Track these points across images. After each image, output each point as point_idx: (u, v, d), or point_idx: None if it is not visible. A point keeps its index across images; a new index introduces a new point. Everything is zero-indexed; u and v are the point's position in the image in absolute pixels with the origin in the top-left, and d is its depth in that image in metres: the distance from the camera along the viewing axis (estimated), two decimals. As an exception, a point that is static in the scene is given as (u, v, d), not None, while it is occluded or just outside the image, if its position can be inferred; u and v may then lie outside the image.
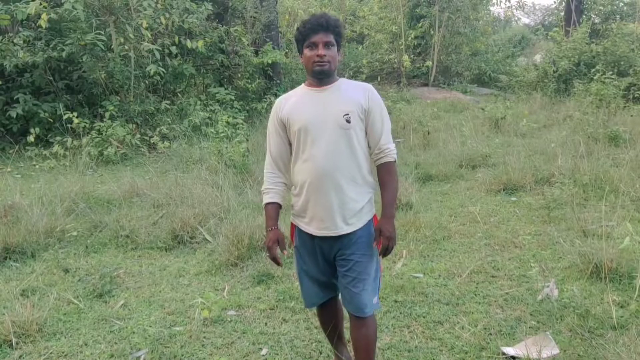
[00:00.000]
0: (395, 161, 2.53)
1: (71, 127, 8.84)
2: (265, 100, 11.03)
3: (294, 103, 2.46)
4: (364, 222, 2.46)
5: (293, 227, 2.61)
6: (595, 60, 12.26)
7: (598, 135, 7.20)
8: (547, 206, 5.10)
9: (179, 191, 5.79)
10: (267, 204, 2.53)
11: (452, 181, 6.53)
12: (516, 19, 33.17)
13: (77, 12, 8.72)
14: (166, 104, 9.96)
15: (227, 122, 9.17)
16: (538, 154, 7.03)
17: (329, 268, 2.54)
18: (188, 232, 4.87)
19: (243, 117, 10.82)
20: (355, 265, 2.41)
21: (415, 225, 4.88)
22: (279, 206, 2.55)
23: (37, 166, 8.33)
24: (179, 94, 11.10)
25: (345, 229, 2.40)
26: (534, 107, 11.41)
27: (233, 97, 10.93)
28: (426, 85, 16.14)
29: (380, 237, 2.43)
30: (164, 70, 9.70)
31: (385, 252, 2.46)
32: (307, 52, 2.37)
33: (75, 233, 4.79)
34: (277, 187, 2.55)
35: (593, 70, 11.09)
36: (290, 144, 2.50)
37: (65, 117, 8.86)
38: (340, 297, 2.65)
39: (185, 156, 7.73)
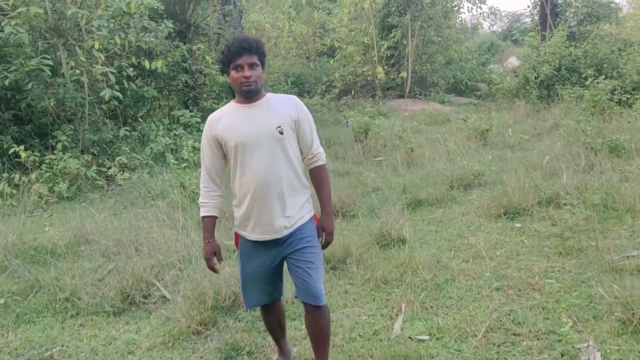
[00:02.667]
0: (325, 164, 2.78)
1: (19, 162, 7.95)
2: (233, 121, 10.23)
3: (227, 120, 2.61)
4: (306, 219, 2.67)
5: (237, 235, 2.78)
6: (576, 64, 11.82)
7: (597, 146, 6.60)
8: (560, 235, 4.45)
9: (133, 236, 4.97)
10: (204, 217, 2.74)
11: (445, 205, 5.83)
12: (489, 25, 33.19)
13: (20, 36, 7.88)
14: (125, 130, 9.10)
15: (193, 147, 8.40)
16: (534, 169, 6.39)
17: (274, 272, 2.72)
18: (141, 290, 4.05)
19: (211, 141, 10.09)
20: (305, 256, 2.62)
21: (411, 267, 4.15)
22: (215, 218, 2.77)
23: (-20, 207, 7.40)
24: (140, 119, 10.25)
25: (289, 230, 2.61)
26: (518, 115, 10.88)
27: (199, 120, 10.13)
28: (402, 97, 15.56)
29: (323, 233, 2.73)
30: (121, 94, 8.86)
31: (326, 245, 2.79)
32: (233, 73, 2.54)
33: (2, 301, 3.92)
34: (213, 201, 2.74)
35: (576, 74, 10.66)
36: (224, 159, 2.67)
37: (10, 151, 7.97)
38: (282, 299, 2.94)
39: (146, 189, 6.90)
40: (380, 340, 3.25)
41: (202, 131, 8.43)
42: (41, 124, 8.89)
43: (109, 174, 7.91)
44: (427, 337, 3.23)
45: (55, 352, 3.40)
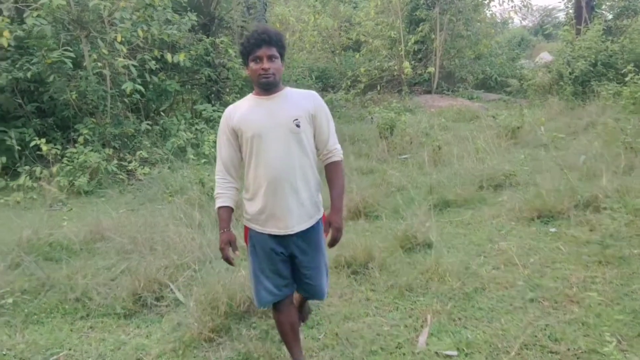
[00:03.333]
0: (341, 160, 2.74)
1: (42, 155, 7.91)
2: (256, 116, 10.04)
3: (245, 112, 2.59)
4: (316, 219, 2.67)
5: (247, 229, 2.74)
6: (613, 59, 11.29)
7: (637, 146, 6.21)
8: (600, 242, 4.12)
9: (148, 234, 4.81)
10: (220, 207, 2.69)
11: (474, 207, 5.54)
12: (520, 19, 32.41)
13: (43, 28, 7.82)
14: (147, 124, 9.00)
15: (215, 142, 8.22)
16: (570, 169, 6.03)
17: (285, 265, 2.70)
18: (154, 292, 3.88)
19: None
20: (311, 261, 2.68)
21: (438, 273, 3.89)
22: (231, 209, 2.70)
23: (2, 200, 7.38)
24: (162, 113, 10.15)
25: (300, 227, 2.61)
26: (551, 112, 10.44)
27: (221, 114, 9.97)
28: (429, 92, 15.20)
29: (329, 228, 2.70)
30: (143, 87, 8.75)
31: (334, 242, 2.74)
32: (252, 65, 2.52)
33: (10, 300, 3.79)
34: (229, 192, 2.69)
35: (613, 70, 10.17)
36: (240, 151, 2.64)
37: (32, 144, 7.94)
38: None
39: (165, 185, 6.76)
40: (404, 354, 3.01)
41: (223, 125, 8.24)
42: (63, 116, 8.86)
43: (130, 168, 7.81)
44: (455, 353, 2.97)
45: (61, 357, 3.25)
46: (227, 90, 11.10)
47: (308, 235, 2.65)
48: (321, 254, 2.73)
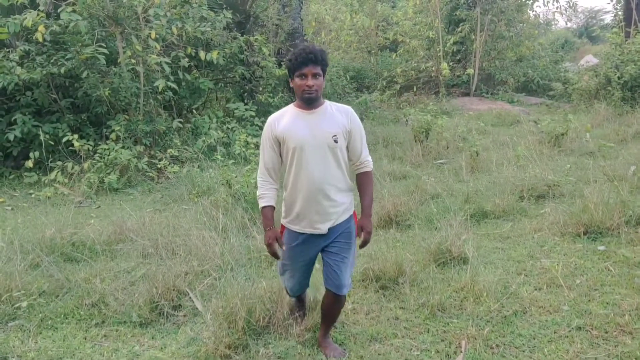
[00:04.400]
0: (372, 170, 3.02)
1: (74, 150, 7.91)
2: (288, 116, 9.85)
3: (288, 123, 2.85)
4: (346, 217, 2.96)
5: (283, 228, 3.05)
6: (666, 64, 10.67)
7: (695, 157, 5.75)
8: (656, 264, 3.75)
9: (171, 237, 4.67)
10: (264, 207, 2.93)
11: (513, 219, 5.20)
12: (565, 20, 31.41)
13: (78, 24, 7.80)
14: (179, 122, 8.91)
15: (246, 142, 8.08)
16: (619, 180, 5.62)
17: (311, 263, 3.07)
18: (172, 300, 3.72)
19: (264, 136, 9.76)
20: (340, 250, 2.93)
21: (474, 292, 3.60)
22: (273, 208, 2.95)
23: (33, 195, 7.42)
24: (194, 111, 10.06)
25: (331, 224, 2.90)
26: (597, 119, 9.92)
27: (254, 113, 9.85)
28: (467, 95, 14.74)
29: (362, 232, 2.95)
30: (176, 85, 8.68)
31: (364, 244, 2.99)
32: (297, 80, 2.77)
33: (25, 304, 3.68)
34: (271, 192, 2.95)
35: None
36: (281, 157, 2.93)
37: (64, 139, 7.94)
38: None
39: (193, 185, 6.63)
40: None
41: (256, 125, 8.14)
42: (97, 113, 8.84)
43: (159, 166, 7.73)
44: (491, 387, 2.69)
45: (72, 367, 3.11)
46: (261, 89, 10.95)
47: (339, 227, 2.92)
48: (349, 246, 2.96)
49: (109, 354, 3.25)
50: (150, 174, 7.84)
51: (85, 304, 3.76)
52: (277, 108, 10.71)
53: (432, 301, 3.50)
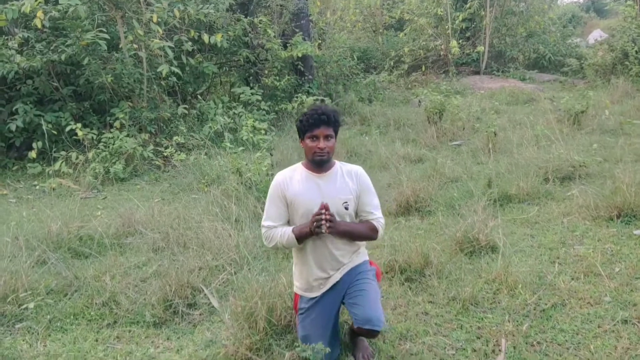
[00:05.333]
0: (379, 231, 2.78)
1: (78, 139, 7.70)
2: (296, 99, 9.60)
3: (298, 186, 2.71)
4: (359, 261, 2.84)
5: (297, 297, 2.91)
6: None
7: None
8: (701, 249, 3.52)
9: (182, 229, 4.46)
10: (290, 235, 2.67)
11: (539, 202, 4.96)
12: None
13: (77, 9, 7.52)
14: (184, 108, 8.66)
15: (253, 127, 7.83)
16: (648, 160, 5.37)
17: (334, 318, 2.79)
18: (186, 298, 3.51)
19: (271, 120, 9.51)
20: (360, 286, 2.73)
21: (507, 284, 3.38)
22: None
23: (37, 187, 7.22)
24: (199, 97, 9.80)
25: (344, 273, 2.78)
26: (615, 95, 9.59)
27: (260, 97, 9.57)
28: (477, 73, 14.38)
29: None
30: (179, 70, 8.41)
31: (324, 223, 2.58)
32: (308, 142, 2.67)
33: (32, 305, 3.48)
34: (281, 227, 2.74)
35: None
36: (288, 211, 2.76)
37: (67, 128, 7.72)
38: None
39: (201, 174, 6.41)
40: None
41: (262, 110, 7.84)
42: (100, 100, 8.60)
43: (166, 154, 7.51)
44: (538, 391, 2.48)
45: (83, 374, 2.91)
46: (266, 72, 10.67)
47: (352, 272, 2.79)
48: (368, 281, 2.76)
49: (123, 357, 3.06)
50: (157, 163, 7.64)
51: (96, 304, 3.56)
52: (284, 92, 10.61)
53: (463, 294, 3.28)
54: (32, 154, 7.49)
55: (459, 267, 3.70)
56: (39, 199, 6.67)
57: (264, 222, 2.75)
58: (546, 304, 3.18)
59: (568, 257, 3.79)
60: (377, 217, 2.76)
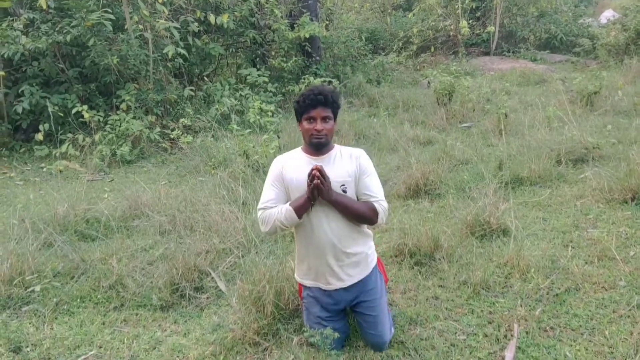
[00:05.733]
0: (379, 214, 2.58)
1: (85, 122, 7.66)
2: (303, 81, 9.49)
3: (295, 170, 2.59)
4: (370, 268, 2.71)
5: (300, 286, 2.82)
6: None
7: None
8: None
9: (189, 212, 4.41)
10: (288, 209, 2.53)
11: (551, 185, 4.87)
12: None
13: (81, -13, 7.43)
14: (190, 90, 8.59)
15: (260, 109, 7.74)
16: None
17: (341, 314, 2.77)
18: (193, 281, 3.48)
19: (278, 102, 9.41)
20: (370, 310, 2.66)
21: (519, 268, 3.31)
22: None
23: (44, 169, 7.20)
24: (205, 78, 9.70)
25: (353, 279, 2.65)
26: (628, 75, 9.39)
27: (267, 79, 9.46)
28: (487, 54, 14.16)
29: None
30: (185, 51, 8.31)
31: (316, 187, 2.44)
32: (305, 124, 2.58)
33: (38, 288, 3.46)
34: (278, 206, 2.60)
35: None
36: (286, 195, 2.64)
37: (73, 110, 7.67)
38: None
39: (208, 156, 6.35)
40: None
41: (269, 92, 7.72)
42: (106, 82, 8.53)
43: (172, 136, 7.45)
44: (552, 377, 2.43)
45: (90, 357, 2.89)
46: (273, 53, 10.54)
47: (366, 286, 2.68)
48: (382, 302, 2.70)
49: (130, 340, 3.03)
50: (163, 145, 7.60)
51: (102, 287, 3.53)
52: (291, 73, 10.49)
53: (474, 278, 3.23)
54: (39, 137, 7.45)
55: (469, 250, 3.64)
56: (45, 182, 6.67)
57: (260, 205, 2.64)
58: (559, 289, 3.11)
59: (582, 241, 3.72)
60: (378, 200, 2.60)
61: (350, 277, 2.64)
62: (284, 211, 2.52)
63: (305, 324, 2.79)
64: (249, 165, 5.34)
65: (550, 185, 4.86)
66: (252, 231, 3.87)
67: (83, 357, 2.88)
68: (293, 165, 2.61)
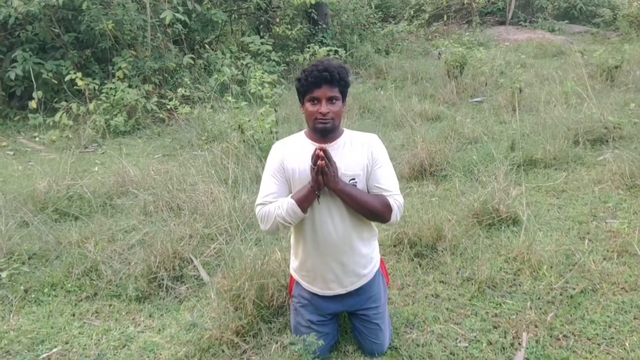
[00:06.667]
0: (393, 210, 2.19)
1: (80, 90, 7.35)
2: (308, 50, 9.06)
3: (298, 159, 2.22)
4: (374, 272, 2.40)
5: (293, 280, 2.50)
6: None
7: None
8: None
9: (175, 191, 4.12)
10: (290, 202, 2.15)
11: (567, 168, 4.51)
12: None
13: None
14: (190, 58, 8.21)
15: (262, 80, 7.37)
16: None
17: (334, 318, 2.47)
18: (173, 269, 3.21)
19: (281, 71, 9.01)
20: (372, 318, 2.39)
21: (530, 264, 3.00)
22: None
23: (37, 139, 6.96)
24: (207, 46, 9.30)
25: (355, 285, 2.35)
26: (650, 49, 8.86)
27: (270, 48, 9.04)
28: (503, 23, 13.55)
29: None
30: (185, 17, 7.91)
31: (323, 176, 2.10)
32: (308, 106, 2.19)
33: (4, 274, 3.21)
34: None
35: None
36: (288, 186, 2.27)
37: (67, 77, 7.35)
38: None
39: (204, 129, 6.03)
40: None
41: (272, 61, 7.28)
42: (102, 48, 8.17)
43: (169, 106, 7.12)
44: (564, 398, 2.13)
45: (53, 355, 2.64)
46: (278, 20, 10.09)
47: (364, 292, 2.38)
48: (381, 309, 2.42)
49: (99, 335, 2.78)
50: (160, 116, 7.28)
51: (75, 273, 3.27)
52: (296, 42, 10.05)
53: (480, 275, 2.92)
54: (32, 104, 7.17)
55: (475, 242, 3.32)
56: (37, 152, 6.41)
57: (259, 200, 2.27)
58: (574, 289, 2.80)
59: (599, 233, 3.39)
60: (393, 194, 2.21)
61: (353, 283, 2.33)
62: (285, 205, 2.15)
63: (291, 325, 2.51)
64: (243, 141, 5.02)
65: (565, 168, 4.50)
66: (240, 216, 3.57)
67: (45, 354, 2.63)
68: (295, 155, 2.23)
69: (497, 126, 5.74)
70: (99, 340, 2.74)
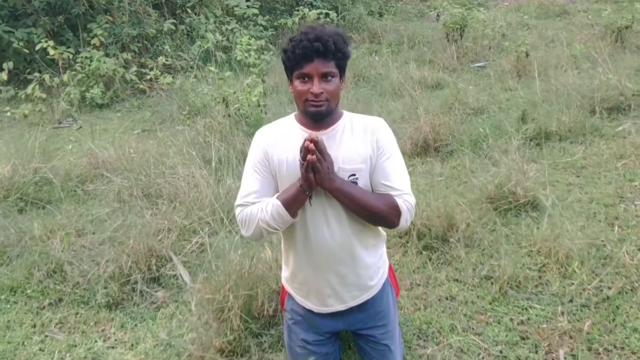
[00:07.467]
0: (402, 213, 1.71)
1: (54, 59, 6.82)
2: (297, 13, 8.49)
3: (285, 149, 1.74)
4: (381, 284, 1.94)
5: (285, 291, 2.06)
6: None
7: None
8: None
9: (153, 175, 3.69)
10: (275, 203, 1.70)
11: (584, 141, 4.12)
12: None
13: None
14: (171, 23, 7.65)
15: (248, 45, 6.85)
16: None
17: (333, 337, 2.04)
18: (149, 270, 2.81)
19: (269, 37, 8.46)
20: (380, 339, 1.98)
21: (557, 258, 2.63)
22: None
23: (8, 114, 6.44)
24: (189, 10, 8.69)
25: (357, 300, 1.90)
26: (661, 7, 8.37)
27: (257, 11, 8.46)
28: (501, -18, 12.93)
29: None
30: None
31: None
32: (297, 84, 1.70)
33: (-47, 279, 2.81)
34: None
35: None
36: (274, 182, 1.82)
37: (38, 46, 6.81)
38: None
39: (187, 102, 5.55)
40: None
41: (259, 25, 6.69)
42: (76, 14, 7.58)
43: (150, 76, 6.61)
44: None
45: (7, 378, 2.26)
46: (264, -19, 9.43)
47: (371, 306, 1.93)
48: (393, 326, 2.01)
49: (62, 353, 2.39)
50: (140, 87, 6.78)
51: (38, 275, 2.87)
52: (284, 4, 9.44)
53: (500, 273, 2.54)
54: (3, 76, 6.63)
55: (491, 231, 2.94)
56: (7, 128, 5.93)
57: (238, 201, 1.80)
58: (609, 288, 2.44)
59: (629, 218, 3.01)
60: (402, 193, 1.73)
61: (355, 297, 1.88)
62: (269, 208, 1.70)
63: (285, 343, 2.09)
64: (228, 115, 4.57)
65: (582, 141, 4.11)
66: (224, 206, 3.16)
67: (-2, 378, 2.26)
68: (282, 143, 1.76)
69: (502, 93, 5.31)
70: (62, 359, 2.36)
